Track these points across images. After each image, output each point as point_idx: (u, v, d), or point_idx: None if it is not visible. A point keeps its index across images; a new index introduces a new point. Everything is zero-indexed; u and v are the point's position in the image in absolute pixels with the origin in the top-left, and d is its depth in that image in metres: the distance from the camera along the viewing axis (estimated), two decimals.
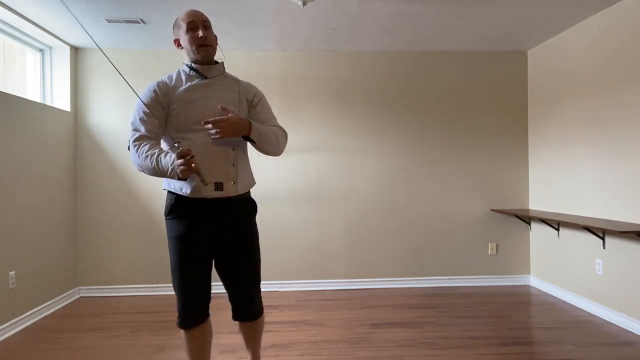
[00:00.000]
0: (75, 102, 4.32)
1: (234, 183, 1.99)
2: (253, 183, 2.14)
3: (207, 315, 2.10)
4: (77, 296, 4.28)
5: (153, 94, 1.97)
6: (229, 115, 1.89)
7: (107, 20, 3.59)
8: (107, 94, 4.36)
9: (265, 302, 4.01)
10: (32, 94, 4.06)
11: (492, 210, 4.54)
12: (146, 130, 1.94)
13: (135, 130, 1.95)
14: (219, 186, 1.94)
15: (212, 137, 1.89)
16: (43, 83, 4.16)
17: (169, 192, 2.02)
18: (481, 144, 4.60)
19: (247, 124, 1.93)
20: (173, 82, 2.01)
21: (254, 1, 3.27)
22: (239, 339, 3.10)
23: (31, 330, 3.38)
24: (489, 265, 4.60)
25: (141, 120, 1.95)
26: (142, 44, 4.23)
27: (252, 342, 2.24)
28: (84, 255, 4.32)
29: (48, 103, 4.16)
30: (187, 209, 1.96)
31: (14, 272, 3.36)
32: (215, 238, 2.03)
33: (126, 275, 4.35)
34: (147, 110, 1.94)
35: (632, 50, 3.23)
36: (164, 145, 2.04)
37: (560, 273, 4.08)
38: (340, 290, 4.43)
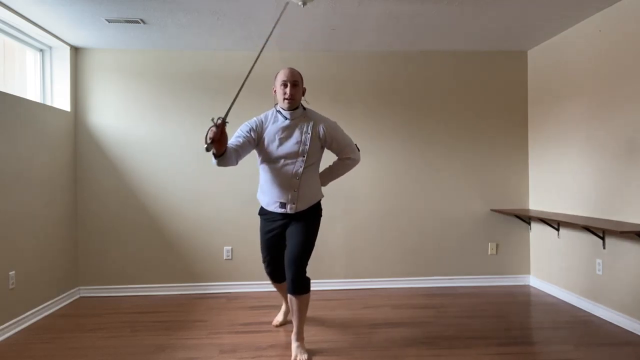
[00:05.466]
0: (75, 102, 4.32)
1: (294, 204, 2.70)
2: (316, 199, 2.80)
3: (277, 278, 3.04)
4: (77, 296, 4.28)
5: (252, 124, 2.73)
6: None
7: (107, 20, 3.59)
8: (107, 94, 4.36)
9: (265, 302, 4.01)
10: (32, 94, 4.07)
11: (492, 210, 4.54)
12: (233, 143, 2.61)
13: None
14: (282, 205, 2.70)
15: None
16: (43, 83, 4.16)
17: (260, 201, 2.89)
18: (481, 144, 4.60)
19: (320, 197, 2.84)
20: (266, 120, 2.73)
21: (254, 1, 3.28)
22: (238, 339, 3.11)
23: (31, 330, 3.38)
24: (489, 265, 4.60)
25: (235, 137, 2.66)
26: (142, 44, 4.24)
27: (295, 316, 2.77)
28: (84, 255, 4.32)
29: (48, 103, 4.16)
30: (266, 213, 2.84)
31: (14, 272, 3.36)
32: (283, 228, 2.81)
33: (126, 275, 4.35)
34: (241, 132, 2.68)
35: (632, 50, 3.23)
36: (261, 172, 2.80)
37: (560, 273, 4.08)
38: (340, 290, 4.43)
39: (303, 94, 2.74)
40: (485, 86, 4.60)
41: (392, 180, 4.55)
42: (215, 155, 2.42)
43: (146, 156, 4.37)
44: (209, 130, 2.27)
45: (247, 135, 2.66)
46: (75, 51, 4.32)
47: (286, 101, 2.64)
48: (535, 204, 4.50)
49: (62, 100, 4.20)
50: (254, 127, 2.71)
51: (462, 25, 3.82)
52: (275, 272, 3.00)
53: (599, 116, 3.56)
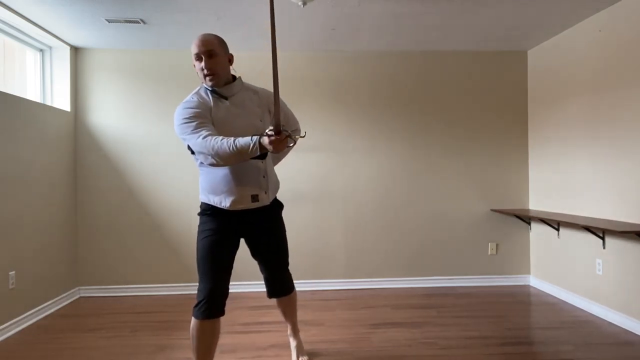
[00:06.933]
0: (75, 102, 4.32)
1: (266, 193, 2.27)
2: (279, 187, 2.46)
3: (223, 311, 2.22)
4: (77, 296, 4.28)
5: (200, 110, 2.09)
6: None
7: (107, 20, 3.59)
8: (107, 94, 4.36)
9: (264, 302, 4.00)
10: (32, 94, 4.07)
11: (492, 210, 4.54)
12: (210, 129, 2.03)
13: (197, 132, 2.01)
14: (255, 198, 2.21)
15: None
16: (43, 83, 4.16)
17: (206, 203, 2.25)
18: (481, 143, 4.60)
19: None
20: (207, 102, 2.15)
21: (254, 1, 3.28)
22: (239, 339, 3.11)
23: (31, 330, 3.38)
24: (489, 265, 4.60)
25: (199, 124, 2.03)
26: (142, 44, 4.23)
27: (289, 315, 2.67)
28: (84, 255, 4.32)
29: (48, 103, 4.16)
30: (224, 213, 2.22)
31: (14, 272, 3.36)
32: (245, 232, 2.35)
33: (126, 275, 4.35)
34: (202, 120, 2.05)
35: (632, 50, 3.23)
36: (212, 168, 2.17)
37: (560, 273, 4.08)
38: (340, 290, 4.43)
39: (231, 63, 2.21)
40: (485, 86, 4.60)
41: (391, 180, 4.55)
42: (263, 153, 1.98)
43: (146, 156, 4.37)
44: (280, 136, 1.88)
45: (209, 123, 2.10)
46: (75, 51, 4.32)
47: (207, 78, 2.12)
48: (535, 204, 4.50)
49: (62, 100, 4.20)
50: (205, 114, 2.11)
51: (462, 25, 3.82)
52: (217, 305, 2.18)
53: (599, 116, 3.56)
